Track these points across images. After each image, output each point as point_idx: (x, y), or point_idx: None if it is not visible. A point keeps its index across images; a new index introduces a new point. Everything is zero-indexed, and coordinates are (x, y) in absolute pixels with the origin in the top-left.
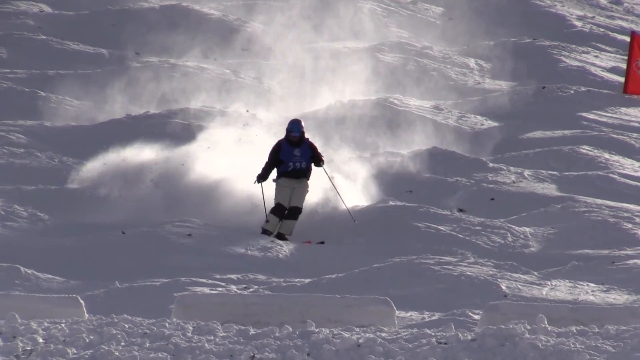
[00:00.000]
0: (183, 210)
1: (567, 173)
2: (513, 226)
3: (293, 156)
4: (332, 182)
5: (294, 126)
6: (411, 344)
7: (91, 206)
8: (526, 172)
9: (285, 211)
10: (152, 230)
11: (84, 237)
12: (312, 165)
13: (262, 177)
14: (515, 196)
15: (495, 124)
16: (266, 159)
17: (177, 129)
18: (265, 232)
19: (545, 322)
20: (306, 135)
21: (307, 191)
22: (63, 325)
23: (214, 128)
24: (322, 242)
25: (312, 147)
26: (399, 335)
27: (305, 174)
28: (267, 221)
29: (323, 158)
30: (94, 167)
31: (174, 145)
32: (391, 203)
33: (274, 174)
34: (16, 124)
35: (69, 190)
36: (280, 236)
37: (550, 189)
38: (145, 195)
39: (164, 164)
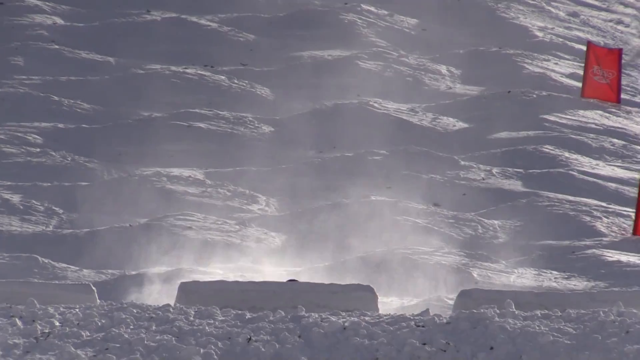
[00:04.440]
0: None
1: (531, 170)
2: (483, 219)
3: None
4: None
5: None
6: (392, 326)
7: (101, 201)
8: (494, 170)
9: None
10: (156, 223)
11: (96, 230)
12: None
13: None
14: (485, 191)
15: (466, 125)
16: None
17: (177, 130)
18: None
19: (513, 306)
20: None
21: None
22: (77, 310)
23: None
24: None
25: None
26: (381, 319)
27: None
28: None
29: None
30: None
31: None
32: (372, 198)
33: None
34: (32, 126)
35: (82, 186)
36: None
37: (516, 185)
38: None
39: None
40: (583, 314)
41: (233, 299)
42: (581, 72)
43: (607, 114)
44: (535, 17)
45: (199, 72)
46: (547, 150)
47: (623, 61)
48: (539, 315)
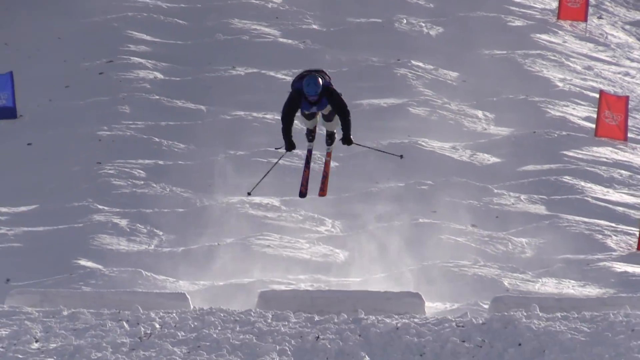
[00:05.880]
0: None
1: (552, 197)
2: (512, 237)
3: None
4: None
5: (310, 89)
6: (437, 327)
7: (194, 224)
8: (522, 196)
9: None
10: (240, 242)
11: (190, 248)
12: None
13: (288, 143)
14: (514, 215)
15: (498, 159)
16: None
17: (258, 165)
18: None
19: (538, 310)
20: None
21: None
22: (174, 314)
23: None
24: None
25: (331, 98)
26: (427, 321)
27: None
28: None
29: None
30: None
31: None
32: (420, 220)
33: None
34: (137, 163)
35: (178, 212)
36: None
37: (540, 209)
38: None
39: None
40: (596, 315)
41: (304, 304)
42: (594, 116)
43: (616, 150)
44: (556, 70)
45: (276, 117)
46: (566, 180)
47: (629, 106)
48: (559, 317)
